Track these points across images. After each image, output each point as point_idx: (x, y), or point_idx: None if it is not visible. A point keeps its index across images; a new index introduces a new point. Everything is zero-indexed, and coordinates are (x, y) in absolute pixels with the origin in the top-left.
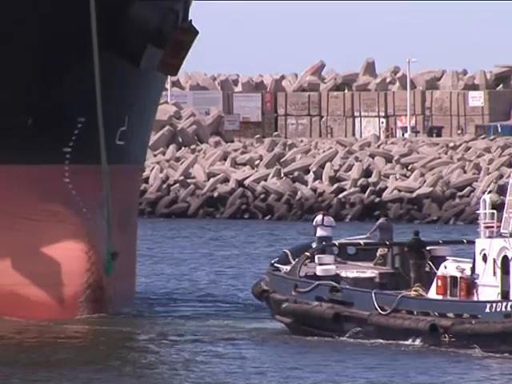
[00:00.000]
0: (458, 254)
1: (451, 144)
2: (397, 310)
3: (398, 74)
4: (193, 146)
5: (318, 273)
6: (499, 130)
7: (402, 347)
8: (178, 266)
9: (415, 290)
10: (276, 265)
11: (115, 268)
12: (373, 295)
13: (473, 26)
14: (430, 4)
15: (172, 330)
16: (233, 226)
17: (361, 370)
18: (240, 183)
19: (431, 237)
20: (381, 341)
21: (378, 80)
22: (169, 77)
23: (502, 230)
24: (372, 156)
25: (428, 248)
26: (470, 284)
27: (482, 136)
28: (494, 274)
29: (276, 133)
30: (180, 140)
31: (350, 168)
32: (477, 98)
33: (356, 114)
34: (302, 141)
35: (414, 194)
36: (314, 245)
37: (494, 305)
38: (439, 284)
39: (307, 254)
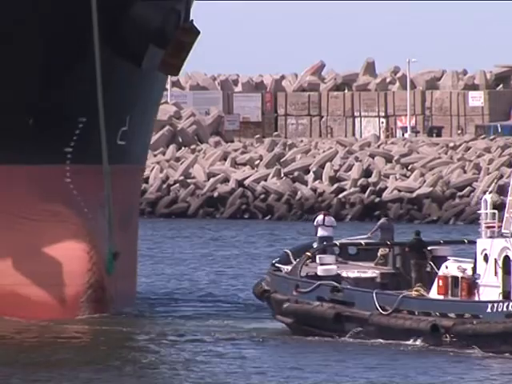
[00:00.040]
0: (458, 254)
1: (451, 144)
2: (398, 310)
3: (398, 74)
4: (193, 146)
5: (319, 273)
6: (499, 129)
7: (401, 347)
8: (178, 265)
9: (416, 290)
10: (277, 265)
11: (116, 268)
12: (374, 295)
13: (473, 26)
14: (430, 4)
15: (172, 330)
16: (233, 226)
17: (361, 369)
18: (240, 183)
19: (431, 237)
20: (382, 341)
21: (377, 80)
22: (169, 77)
23: (503, 230)
24: (372, 156)
25: (429, 248)
26: (472, 284)
27: (482, 136)
28: (496, 274)
29: (276, 133)
30: (180, 140)
31: (350, 168)
32: (477, 98)
33: (356, 113)
34: (301, 141)
35: (414, 194)
36: (315, 245)
37: (496, 305)
38: (440, 284)
39: (308, 254)
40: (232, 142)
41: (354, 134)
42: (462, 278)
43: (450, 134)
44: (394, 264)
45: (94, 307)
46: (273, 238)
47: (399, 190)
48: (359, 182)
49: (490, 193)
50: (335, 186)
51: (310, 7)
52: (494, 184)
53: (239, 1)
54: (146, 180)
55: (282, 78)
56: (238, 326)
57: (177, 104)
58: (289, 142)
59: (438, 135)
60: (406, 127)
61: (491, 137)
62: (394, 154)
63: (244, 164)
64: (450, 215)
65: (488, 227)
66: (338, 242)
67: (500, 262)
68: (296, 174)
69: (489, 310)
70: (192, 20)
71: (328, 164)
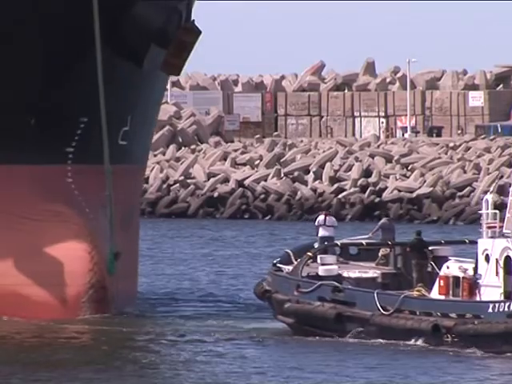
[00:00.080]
0: (458, 254)
1: (451, 144)
2: (399, 310)
3: (398, 74)
4: (193, 146)
5: (321, 273)
6: (499, 129)
7: (401, 347)
8: (178, 266)
9: (418, 290)
10: (278, 265)
11: (118, 268)
12: (375, 295)
13: (473, 26)
14: (430, 4)
15: (172, 330)
16: (233, 226)
17: (361, 369)
18: (240, 183)
19: (431, 237)
20: (383, 341)
21: (377, 80)
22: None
23: (504, 230)
24: (372, 156)
25: (430, 248)
26: (473, 284)
27: (482, 136)
28: (497, 274)
29: (276, 133)
30: (180, 140)
31: (350, 168)
32: (477, 98)
33: (356, 114)
34: (302, 141)
35: (414, 194)
36: (316, 245)
37: (497, 305)
38: (442, 284)
39: (309, 254)
40: (232, 142)
41: (354, 134)
42: (463, 278)
43: (450, 134)
44: (395, 264)
45: (96, 307)
46: (273, 238)
47: (399, 190)
48: (359, 182)
49: (491, 193)
50: (335, 186)
51: (310, 7)
52: (494, 184)
53: (239, 1)
54: (146, 180)
55: (282, 78)
56: (238, 326)
57: (177, 104)
58: (289, 142)
59: (438, 135)
60: (406, 127)
61: (491, 137)
62: (394, 154)
63: (244, 164)
64: (449, 215)
65: (489, 227)
66: (339, 242)
67: (501, 262)
68: (296, 174)
69: (490, 310)
70: (193, 20)
71: (328, 164)
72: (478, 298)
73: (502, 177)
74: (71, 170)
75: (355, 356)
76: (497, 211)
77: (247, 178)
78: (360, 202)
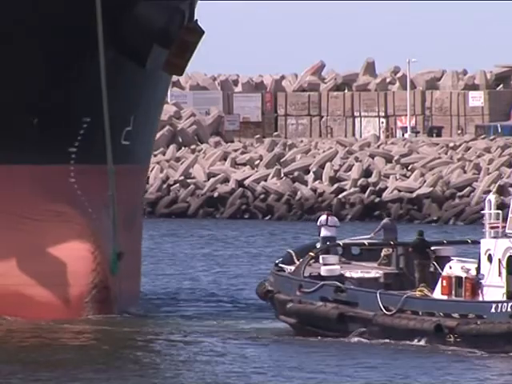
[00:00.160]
0: (459, 254)
1: (451, 144)
2: (402, 311)
3: (398, 74)
4: (193, 146)
5: (323, 273)
6: (499, 130)
7: (402, 347)
8: (178, 266)
9: (420, 291)
10: (280, 265)
11: (120, 268)
12: (378, 295)
13: (473, 26)
14: (430, 4)
15: (173, 330)
16: (233, 226)
17: (361, 369)
18: (240, 183)
19: (431, 237)
20: (385, 341)
21: (377, 80)
22: None
23: (507, 231)
24: (372, 156)
25: (432, 248)
26: (475, 284)
27: (482, 136)
28: (500, 274)
29: (276, 133)
30: (180, 140)
31: (350, 168)
32: (477, 98)
33: (356, 114)
34: (302, 141)
35: (414, 194)
36: (318, 245)
37: (500, 305)
38: (444, 284)
39: (311, 254)
40: (232, 142)
41: (354, 134)
42: (465, 278)
43: (450, 134)
44: (398, 264)
45: (99, 307)
46: (273, 238)
47: (399, 190)
48: (359, 182)
49: (493, 193)
50: (335, 186)
51: (310, 7)
52: (495, 184)
53: (239, 1)
54: (146, 180)
55: (282, 78)
56: (238, 325)
57: (177, 104)
58: (289, 142)
59: (438, 135)
60: (406, 127)
61: (491, 137)
62: (394, 154)
63: (244, 164)
64: (449, 215)
65: (492, 227)
66: (341, 242)
67: (504, 262)
68: (296, 174)
69: (493, 310)
70: (196, 20)
71: (328, 164)
72: (480, 298)
73: (501, 177)
74: (74, 170)
75: (355, 356)
76: (499, 211)
77: (247, 178)
78: (360, 202)
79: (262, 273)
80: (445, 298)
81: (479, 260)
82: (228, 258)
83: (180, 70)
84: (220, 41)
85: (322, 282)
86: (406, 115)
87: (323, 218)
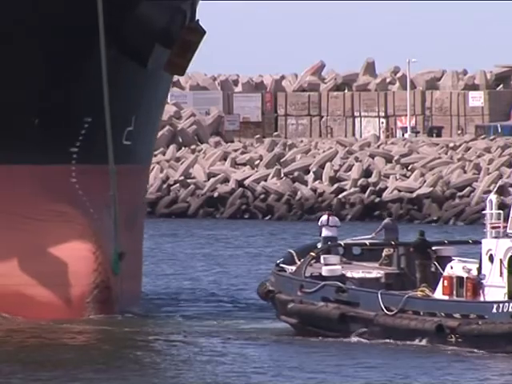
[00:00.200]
0: (460, 254)
1: (451, 144)
2: (403, 311)
3: (398, 74)
4: (193, 146)
5: (324, 273)
6: (499, 130)
7: (402, 347)
8: (178, 266)
9: (421, 291)
10: (281, 265)
11: (122, 268)
12: (379, 295)
13: (473, 26)
14: (430, 4)
15: (173, 330)
16: (233, 226)
17: (361, 369)
18: (240, 183)
19: (432, 237)
20: (386, 341)
21: (377, 80)
22: None
23: (508, 231)
24: (372, 156)
25: (434, 248)
26: (477, 284)
27: (482, 136)
28: (501, 274)
29: (276, 133)
30: (180, 140)
31: (350, 168)
32: (477, 98)
33: (356, 114)
34: (302, 141)
35: (414, 194)
36: (319, 245)
37: (501, 305)
38: (445, 284)
39: (313, 254)
40: (232, 142)
41: (354, 134)
42: (467, 278)
43: (450, 134)
44: (399, 264)
45: (100, 308)
46: (273, 238)
47: (399, 190)
48: (359, 182)
49: (495, 193)
50: (335, 186)
51: (310, 7)
52: (496, 184)
53: (239, 1)
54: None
55: (282, 78)
56: (238, 325)
57: (177, 104)
58: (289, 142)
59: (438, 135)
60: (406, 127)
61: (491, 137)
62: (393, 154)
63: (244, 164)
64: (450, 215)
65: (493, 227)
66: (342, 243)
67: (505, 263)
68: (296, 174)
69: (494, 310)
70: (198, 20)
71: (328, 164)
72: (481, 299)
73: (501, 177)
74: (75, 170)
75: (355, 356)
76: (501, 211)
77: (247, 178)
78: (360, 202)
79: (262, 273)
80: (446, 298)
81: (480, 260)
82: (228, 258)
83: (181, 69)
84: (220, 41)
85: (324, 282)
86: (406, 115)
87: (324, 218)
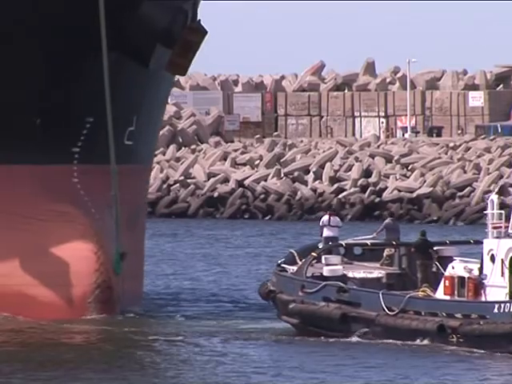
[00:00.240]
0: (461, 255)
1: (451, 144)
2: (404, 311)
3: (398, 74)
4: (193, 146)
5: (325, 273)
6: (499, 130)
7: (402, 347)
8: (178, 266)
9: (423, 291)
10: (283, 265)
11: (124, 268)
12: (380, 296)
13: (473, 25)
14: (430, 4)
15: (173, 330)
16: (233, 226)
17: (361, 369)
18: (240, 183)
19: (432, 237)
20: (386, 341)
21: (377, 80)
22: None
23: (510, 231)
24: (372, 156)
25: (435, 248)
26: (478, 284)
27: (482, 136)
28: (502, 274)
29: (276, 133)
30: (180, 140)
31: (349, 168)
32: (477, 98)
33: (356, 114)
34: (302, 141)
35: (414, 194)
36: (320, 245)
37: (503, 305)
38: (447, 284)
39: (314, 254)
40: (232, 142)
41: (354, 134)
42: (468, 278)
43: (450, 134)
44: (400, 264)
45: (102, 308)
46: (273, 238)
47: (399, 190)
48: (359, 182)
49: (496, 193)
50: (335, 186)
51: (310, 7)
52: (496, 184)
53: (239, 1)
54: None
55: (282, 78)
56: (238, 325)
57: (177, 104)
58: (289, 142)
59: (438, 135)
60: (406, 127)
61: (491, 137)
62: (394, 154)
63: (244, 164)
64: (450, 215)
65: (495, 227)
66: (343, 243)
67: (507, 263)
68: (296, 174)
69: (496, 310)
70: (199, 20)
71: (328, 164)
72: (483, 299)
73: (501, 177)
74: (77, 170)
75: (355, 356)
76: (502, 211)
77: (247, 177)
78: (360, 202)
79: (262, 273)
80: (447, 298)
81: (482, 260)
82: (228, 258)
83: (183, 69)
84: (220, 41)
85: (325, 283)
86: (406, 115)
87: (326, 218)
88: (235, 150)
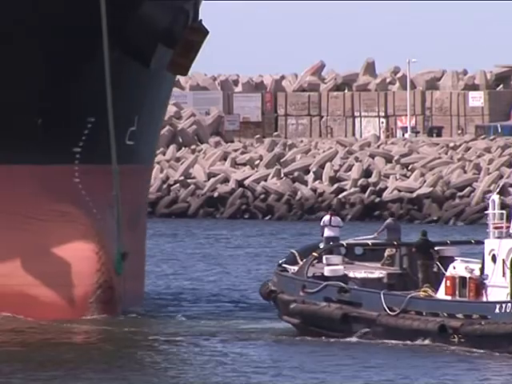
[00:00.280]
0: (462, 255)
1: (451, 144)
2: (405, 311)
3: (398, 74)
4: (193, 146)
5: (326, 273)
6: (499, 130)
7: (402, 347)
8: (178, 266)
9: (424, 291)
10: (284, 265)
11: (125, 268)
12: (381, 296)
13: (473, 26)
14: (430, 4)
15: (174, 330)
16: (233, 226)
17: (361, 369)
18: (240, 183)
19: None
20: (386, 341)
21: (377, 80)
22: None
23: (511, 231)
24: (372, 156)
25: (436, 248)
26: (479, 285)
27: (482, 136)
28: (504, 274)
29: (276, 133)
30: (180, 140)
31: (349, 168)
32: (477, 98)
33: (356, 114)
34: (302, 141)
35: (414, 194)
36: (321, 245)
37: (504, 305)
38: (448, 284)
39: (315, 254)
40: (232, 142)
41: (354, 134)
42: (469, 278)
43: (450, 134)
44: (401, 264)
45: (103, 308)
46: (273, 238)
47: (399, 190)
48: (359, 182)
49: (497, 193)
50: (335, 186)
51: (310, 7)
52: (496, 184)
53: (239, 1)
54: None
55: (282, 78)
56: (238, 325)
57: (177, 104)
58: (289, 142)
59: (438, 135)
60: (406, 127)
61: (491, 137)
62: (394, 154)
63: (244, 164)
64: (450, 215)
65: (496, 228)
66: (344, 243)
67: (508, 263)
68: (296, 174)
69: (497, 310)
70: (201, 20)
71: (328, 164)
72: (484, 299)
73: (501, 177)
74: (78, 170)
75: (355, 356)
76: (503, 211)
77: (247, 177)
78: (360, 202)
79: (262, 273)
80: (449, 298)
81: (483, 260)
82: (228, 258)
83: (184, 69)
84: (220, 41)
85: (326, 283)
86: (406, 115)
87: (326, 218)
88: (235, 150)
